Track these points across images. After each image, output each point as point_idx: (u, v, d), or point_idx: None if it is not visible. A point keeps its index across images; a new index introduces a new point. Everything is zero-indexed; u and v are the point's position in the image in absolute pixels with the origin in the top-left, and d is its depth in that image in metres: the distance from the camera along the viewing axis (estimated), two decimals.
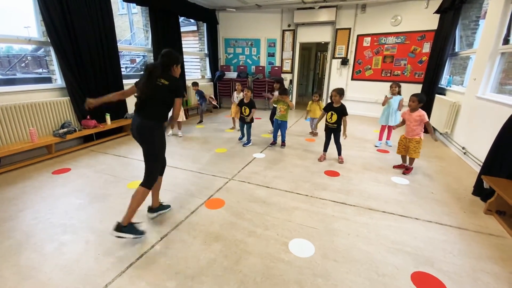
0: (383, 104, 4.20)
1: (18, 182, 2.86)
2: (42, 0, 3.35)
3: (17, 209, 2.34)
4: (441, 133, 4.58)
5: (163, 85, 1.93)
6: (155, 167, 2.01)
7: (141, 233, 1.97)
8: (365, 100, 6.69)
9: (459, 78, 4.90)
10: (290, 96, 7.57)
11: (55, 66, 3.84)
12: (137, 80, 2.03)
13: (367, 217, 2.31)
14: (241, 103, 4.10)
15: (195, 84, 5.57)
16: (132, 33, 13.07)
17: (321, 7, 6.36)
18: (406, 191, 2.80)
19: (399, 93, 4.14)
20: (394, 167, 3.42)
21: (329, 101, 3.49)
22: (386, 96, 4.16)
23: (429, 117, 4.94)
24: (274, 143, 4.20)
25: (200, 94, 5.58)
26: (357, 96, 6.82)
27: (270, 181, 2.97)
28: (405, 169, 3.26)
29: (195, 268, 1.69)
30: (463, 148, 3.76)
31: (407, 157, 3.27)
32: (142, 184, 1.97)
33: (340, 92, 3.45)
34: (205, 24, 7.05)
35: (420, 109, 3.12)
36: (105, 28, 4.22)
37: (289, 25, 7.05)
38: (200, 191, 2.71)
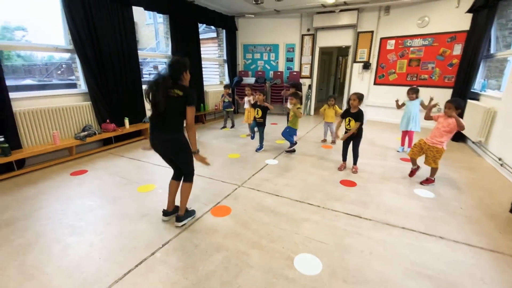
0: (398, 108, 4.15)
1: (38, 182, 3.00)
2: (68, 10, 3.55)
3: (33, 209, 2.43)
4: (473, 142, 4.18)
5: (178, 96, 1.93)
6: (192, 166, 2.15)
7: (194, 212, 2.33)
8: (389, 105, 6.31)
9: (495, 82, 4.47)
10: (309, 101, 7.42)
11: (79, 72, 4.05)
12: (146, 90, 1.99)
13: (384, 233, 2.11)
14: (255, 105, 4.07)
15: (227, 86, 5.65)
16: (157, 41, 13.64)
17: (341, 11, 6.18)
18: (431, 206, 2.54)
19: (417, 97, 3.92)
20: (410, 175, 3.17)
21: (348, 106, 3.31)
22: (397, 100, 4.12)
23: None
24: (291, 146, 4.02)
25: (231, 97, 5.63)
26: (379, 102, 6.50)
27: (281, 189, 2.84)
28: (425, 180, 2.99)
29: (193, 279, 1.62)
30: (500, 159, 3.38)
31: (417, 162, 3.06)
32: (185, 180, 2.16)
33: (360, 96, 3.21)
34: (224, 30, 7.14)
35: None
36: (127, 37, 4.39)
37: (308, 30, 6.93)
38: (207, 197, 2.65)
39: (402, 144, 4.26)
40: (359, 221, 2.27)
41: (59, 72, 12.25)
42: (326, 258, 1.81)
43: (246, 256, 1.82)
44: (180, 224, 2.16)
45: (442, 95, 5.19)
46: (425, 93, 5.44)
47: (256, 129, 4.20)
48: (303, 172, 3.34)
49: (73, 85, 4.28)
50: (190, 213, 2.27)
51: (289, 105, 3.93)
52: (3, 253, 1.84)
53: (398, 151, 4.20)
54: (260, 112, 3.98)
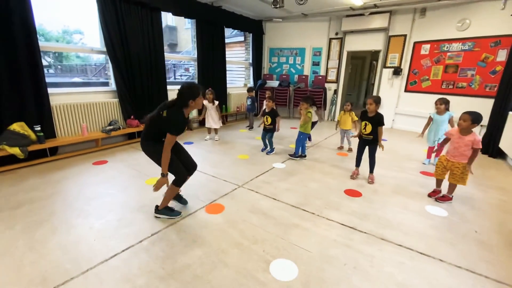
0: (427, 125, 3.80)
1: (65, 168, 3.36)
2: (103, 16, 3.93)
3: (54, 191, 2.74)
4: None
5: (161, 115, 2.04)
6: (175, 170, 2.16)
7: (176, 214, 2.31)
8: (420, 114, 5.86)
9: None
10: (333, 107, 7.21)
11: (110, 72, 4.45)
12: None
13: (376, 248, 1.98)
14: (263, 113, 4.07)
15: (250, 89, 5.82)
16: (192, 45, 14.36)
17: (371, 13, 5.91)
18: (440, 225, 2.32)
19: (447, 109, 3.53)
20: (429, 195, 2.85)
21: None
22: (430, 117, 3.74)
23: (499, 139, 4.07)
24: (297, 155, 3.96)
25: (253, 100, 5.77)
26: (410, 110, 6.06)
27: (280, 193, 2.82)
28: (441, 196, 2.72)
29: (168, 270, 1.70)
30: None
31: (445, 182, 2.73)
32: (172, 182, 2.21)
33: (376, 100, 3.03)
34: (251, 34, 7.27)
35: (474, 133, 2.49)
36: (155, 40, 4.71)
37: (336, 33, 6.75)
38: (206, 194, 2.73)
39: (429, 156, 3.93)
40: (352, 233, 2.15)
41: (106, 72, 13.58)
42: (305, 266, 1.76)
43: (224, 255, 1.85)
44: (156, 215, 2.29)
45: (482, 106, 4.68)
46: (462, 103, 4.97)
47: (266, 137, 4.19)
48: (309, 178, 3.26)
49: (106, 84, 4.72)
50: (168, 213, 2.30)
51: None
52: (20, 227, 2.11)
53: (424, 164, 3.87)
54: (269, 119, 3.98)
